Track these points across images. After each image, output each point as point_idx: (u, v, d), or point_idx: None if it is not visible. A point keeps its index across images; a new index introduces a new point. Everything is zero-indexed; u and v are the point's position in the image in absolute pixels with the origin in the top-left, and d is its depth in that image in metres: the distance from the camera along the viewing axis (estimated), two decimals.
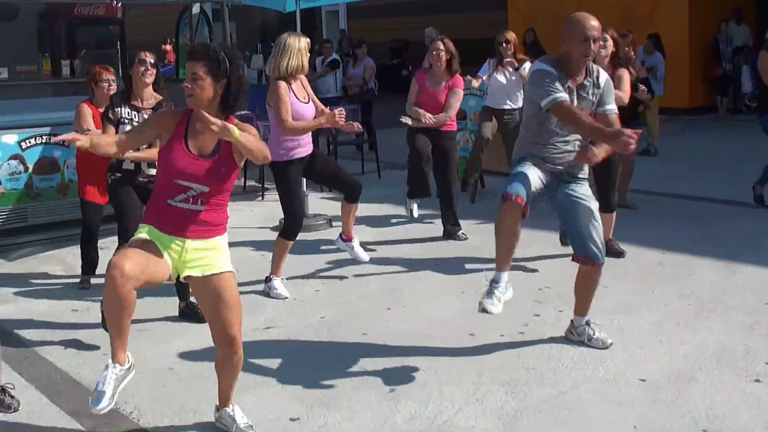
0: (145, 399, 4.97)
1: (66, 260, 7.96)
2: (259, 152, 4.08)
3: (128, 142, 4.34)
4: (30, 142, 8.45)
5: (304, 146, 6.76)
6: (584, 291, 5.55)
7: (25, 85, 9.05)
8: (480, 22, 20.36)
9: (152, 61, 6.12)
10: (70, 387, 5.26)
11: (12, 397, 4.95)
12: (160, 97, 6.23)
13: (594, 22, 5.01)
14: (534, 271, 7.21)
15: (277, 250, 6.83)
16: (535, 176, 5.11)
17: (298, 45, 6.62)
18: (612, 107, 5.23)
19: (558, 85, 4.99)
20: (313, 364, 5.43)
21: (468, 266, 7.43)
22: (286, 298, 6.68)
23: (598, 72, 5.23)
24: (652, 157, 12.61)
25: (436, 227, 8.55)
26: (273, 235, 8.64)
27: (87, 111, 6.85)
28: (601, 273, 5.45)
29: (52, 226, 8.51)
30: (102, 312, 5.87)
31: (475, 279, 6.97)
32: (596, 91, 5.17)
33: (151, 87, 6.16)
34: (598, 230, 5.27)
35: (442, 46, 8.01)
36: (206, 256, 4.16)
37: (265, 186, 10.77)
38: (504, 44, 9.16)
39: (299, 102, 6.67)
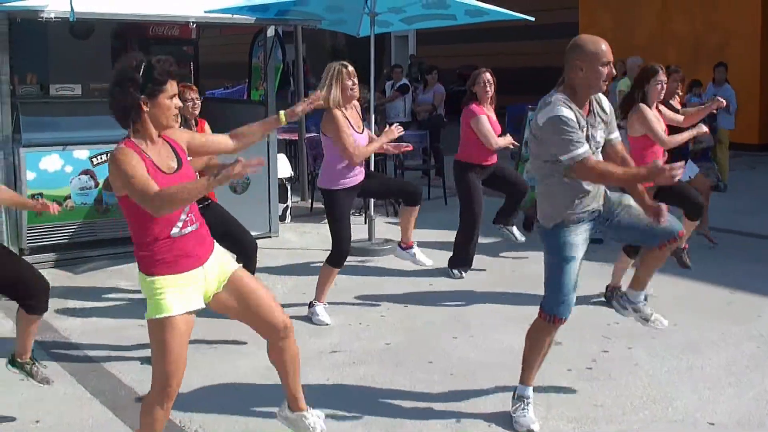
0: (209, 417, 4.96)
1: (133, 275, 7.93)
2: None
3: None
4: (101, 158, 8.56)
5: (358, 174, 6.72)
6: (653, 267, 5.20)
7: (97, 102, 9.14)
8: (550, 50, 20.26)
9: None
10: (134, 402, 5.23)
11: (45, 367, 5.16)
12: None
13: (606, 45, 4.64)
14: (600, 305, 7.06)
15: (323, 276, 6.77)
16: (579, 263, 4.78)
17: (345, 73, 6.59)
18: (617, 134, 4.95)
19: (579, 133, 4.52)
20: (378, 391, 5.37)
21: (533, 296, 7.23)
22: (328, 324, 6.62)
23: (598, 96, 4.82)
24: (722, 194, 12.35)
25: (501, 256, 8.43)
26: None
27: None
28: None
29: (120, 241, 8.59)
30: None
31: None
32: (604, 116, 4.83)
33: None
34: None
35: (491, 78, 7.93)
36: (219, 267, 4.08)
37: None
38: None
39: (354, 131, 6.64)
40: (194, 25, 8.85)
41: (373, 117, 9.16)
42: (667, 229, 4.88)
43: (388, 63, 22.09)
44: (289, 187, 10.44)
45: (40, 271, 5.24)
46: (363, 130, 6.81)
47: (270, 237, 9.63)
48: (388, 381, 5.53)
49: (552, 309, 4.76)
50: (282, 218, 10.16)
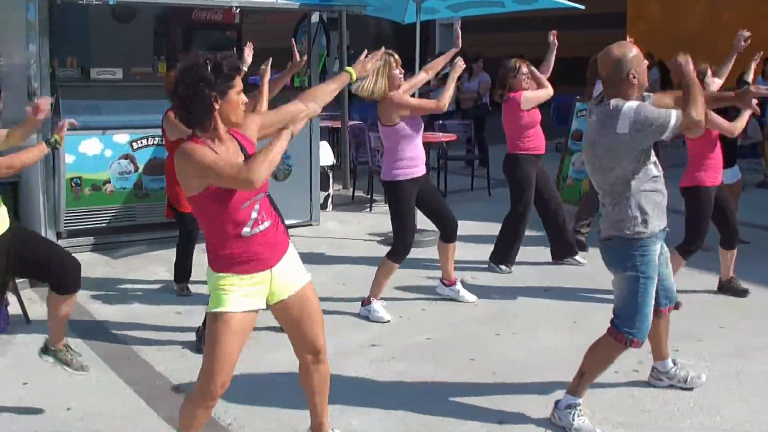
0: (244, 411, 4.85)
1: (171, 261, 7.91)
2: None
3: None
4: (141, 143, 8.49)
5: (420, 165, 6.56)
6: (663, 334, 5.20)
7: (138, 86, 9.07)
8: (597, 40, 19.95)
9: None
10: (168, 392, 5.18)
11: (79, 355, 5.04)
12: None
13: None
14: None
15: (382, 271, 6.59)
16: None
17: (392, 62, 6.43)
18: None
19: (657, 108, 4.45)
20: (418, 387, 5.23)
21: (580, 294, 7.11)
22: (388, 321, 6.46)
23: None
24: None
25: (545, 251, 8.24)
26: (381, 249, 8.53)
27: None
28: None
29: (159, 226, 8.53)
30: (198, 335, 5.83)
31: (587, 309, 6.66)
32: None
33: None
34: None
35: (527, 69, 7.72)
36: (287, 273, 3.98)
37: (374, 197, 10.64)
38: None
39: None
40: (237, 9, 8.73)
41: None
42: (673, 294, 4.98)
43: (433, 51, 21.87)
44: (331, 175, 10.32)
45: (76, 255, 5.13)
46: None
47: (311, 225, 9.52)
48: (428, 377, 5.38)
49: (631, 331, 4.56)
50: (323, 206, 10.04)
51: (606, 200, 4.60)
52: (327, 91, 4.24)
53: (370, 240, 9.04)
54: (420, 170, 6.55)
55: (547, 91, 7.70)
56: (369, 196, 10.74)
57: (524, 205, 7.77)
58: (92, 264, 7.89)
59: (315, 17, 9.30)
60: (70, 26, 8.86)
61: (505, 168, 7.83)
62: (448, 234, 6.79)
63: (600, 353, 4.70)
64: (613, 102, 4.42)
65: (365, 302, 6.57)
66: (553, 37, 7.87)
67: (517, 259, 7.97)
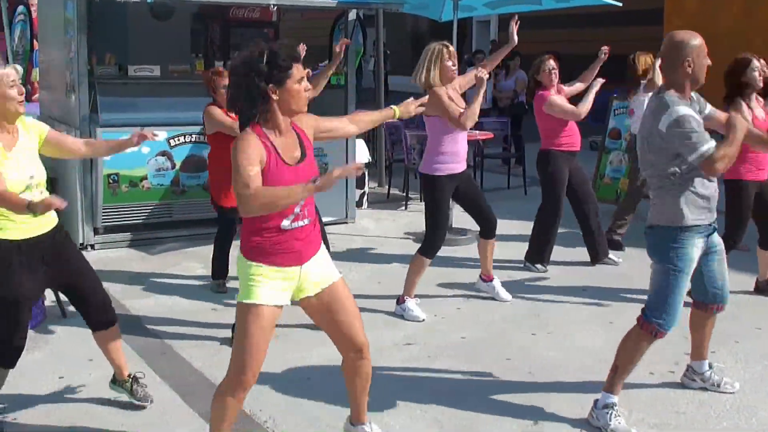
0: (280, 408, 4.86)
1: (208, 258, 7.93)
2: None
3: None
4: (179, 140, 8.53)
5: (460, 162, 6.53)
6: (705, 333, 5.16)
7: (176, 83, 9.11)
8: (634, 36, 19.75)
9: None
10: (204, 388, 5.18)
11: (144, 386, 4.93)
12: None
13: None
14: (686, 305, 6.75)
15: (414, 267, 6.56)
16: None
17: (445, 53, 6.41)
18: (710, 107, 4.74)
19: (702, 129, 4.37)
20: (453, 386, 5.21)
21: (616, 294, 7.04)
22: (423, 320, 6.43)
23: None
24: None
25: (583, 248, 8.18)
26: (416, 247, 8.48)
27: (218, 111, 6.80)
28: None
29: (196, 223, 8.57)
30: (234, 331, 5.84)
31: (623, 309, 6.59)
32: (702, 106, 4.67)
33: None
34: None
35: (555, 64, 7.64)
36: (317, 269, 3.98)
37: (409, 195, 10.62)
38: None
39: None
40: (275, 7, 8.74)
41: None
42: (727, 293, 4.92)
43: (470, 49, 21.80)
44: (366, 173, 10.30)
45: (113, 251, 5.13)
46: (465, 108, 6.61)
47: (347, 223, 9.52)
48: (463, 377, 5.36)
49: (658, 321, 4.56)
50: (359, 204, 10.03)
51: (651, 189, 4.65)
52: (369, 120, 4.44)
53: (406, 238, 9.01)
54: (460, 167, 6.53)
55: (576, 113, 7.51)
56: (404, 194, 10.71)
57: (555, 202, 7.72)
58: (128, 260, 7.94)
59: (352, 15, 9.30)
60: (108, 24, 8.92)
61: (538, 164, 7.79)
62: (487, 231, 6.75)
63: (630, 345, 4.68)
64: (668, 97, 4.43)
65: (400, 300, 6.55)
66: (605, 54, 7.72)
67: (553, 258, 7.91)
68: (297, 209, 3.81)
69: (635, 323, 4.67)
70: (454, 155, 6.46)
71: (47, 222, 4.50)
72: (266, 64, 3.67)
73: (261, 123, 3.76)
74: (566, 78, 7.92)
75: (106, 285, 6.67)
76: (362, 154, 10.16)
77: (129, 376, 4.95)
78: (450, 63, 6.40)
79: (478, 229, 6.86)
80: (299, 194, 3.59)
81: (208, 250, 8.09)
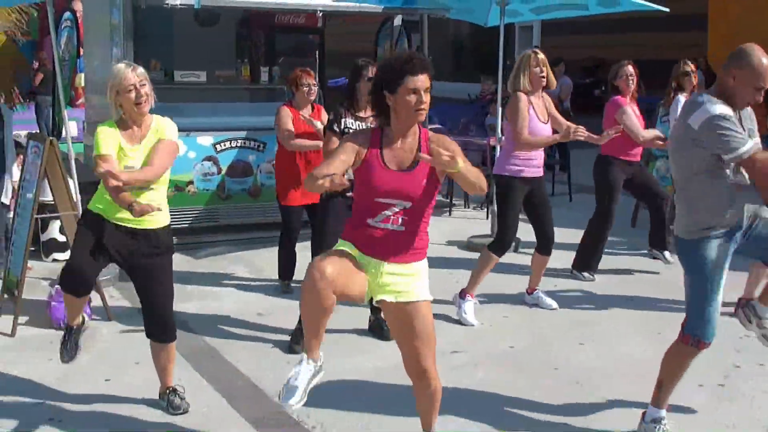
0: (328, 415, 4.84)
1: (254, 262, 8.01)
2: (477, 182, 3.92)
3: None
4: (225, 145, 8.57)
5: (535, 167, 6.57)
6: None
7: (222, 89, 9.17)
8: (677, 42, 19.56)
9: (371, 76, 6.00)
10: (250, 392, 5.21)
11: (182, 398, 4.94)
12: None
13: None
14: (732, 315, 6.65)
15: (481, 262, 6.65)
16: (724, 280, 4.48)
17: (533, 59, 6.46)
18: (757, 140, 4.54)
19: (740, 128, 4.26)
20: (500, 396, 5.16)
21: (662, 304, 6.95)
22: (473, 325, 6.43)
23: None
24: None
25: (630, 258, 8.10)
26: (462, 253, 8.48)
27: (287, 113, 6.86)
28: None
29: (242, 227, 8.60)
30: (293, 333, 5.85)
31: (670, 319, 6.45)
32: (746, 123, 4.49)
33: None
34: None
35: (634, 70, 7.57)
36: (403, 281, 3.95)
37: (453, 202, 10.58)
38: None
39: (537, 119, 6.49)
40: (320, 13, 8.76)
41: (499, 109, 8.89)
42: None
43: (512, 54, 21.72)
44: None
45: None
46: (548, 120, 6.60)
47: None
48: (509, 386, 5.31)
49: (696, 332, 4.46)
50: None
51: (675, 196, 4.59)
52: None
53: (450, 245, 8.97)
54: (532, 172, 6.56)
55: (638, 135, 7.44)
56: (448, 200, 10.67)
57: (607, 210, 7.64)
58: (174, 263, 7.88)
59: (397, 20, 9.30)
60: (153, 30, 8.97)
61: (595, 167, 7.71)
62: (543, 246, 6.78)
63: (673, 359, 4.60)
64: (703, 96, 4.35)
65: (462, 294, 6.59)
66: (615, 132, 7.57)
67: (601, 266, 7.84)
68: (387, 212, 3.85)
69: (678, 336, 4.58)
70: (528, 160, 6.50)
71: (144, 220, 4.62)
72: (384, 71, 3.88)
73: (384, 124, 3.93)
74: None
75: None
76: None
77: (168, 387, 4.99)
78: (537, 69, 6.43)
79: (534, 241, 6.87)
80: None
81: (253, 255, 8.15)
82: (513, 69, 6.59)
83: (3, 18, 9.81)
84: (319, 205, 6.12)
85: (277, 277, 7.32)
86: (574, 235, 7.96)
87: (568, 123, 6.60)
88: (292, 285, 7.16)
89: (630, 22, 21.10)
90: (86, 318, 5.07)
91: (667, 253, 7.89)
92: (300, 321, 5.87)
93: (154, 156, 4.64)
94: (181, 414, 4.87)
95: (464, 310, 6.50)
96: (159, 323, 4.81)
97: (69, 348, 4.91)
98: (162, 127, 4.72)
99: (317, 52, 9.83)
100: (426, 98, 3.83)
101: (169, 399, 4.94)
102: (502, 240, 6.62)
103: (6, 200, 7.60)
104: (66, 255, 8.18)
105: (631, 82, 7.48)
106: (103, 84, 8.48)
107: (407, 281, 3.95)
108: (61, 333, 6.03)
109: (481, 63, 27.95)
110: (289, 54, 9.60)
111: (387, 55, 3.76)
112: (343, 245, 3.94)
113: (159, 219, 4.70)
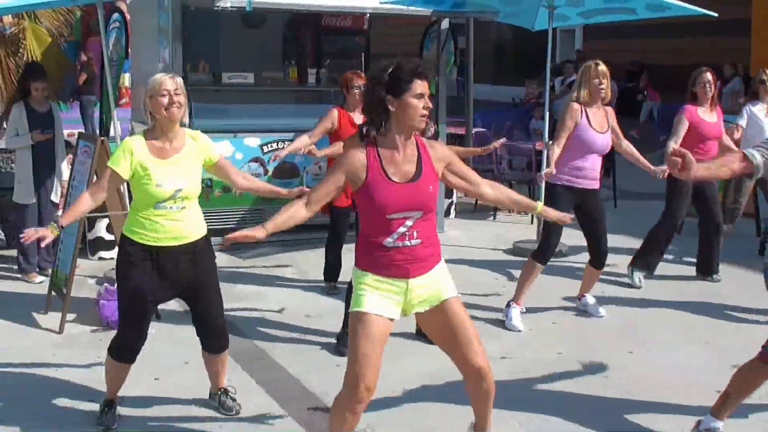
0: (377, 416, 4.81)
1: (299, 264, 8.02)
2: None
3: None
4: (272, 147, 8.59)
5: (583, 178, 6.52)
6: None
7: (269, 91, 9.19)
8: (720, 47, 19.36)
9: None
10: (300, 394, 5.22)
11: (233, 399, 4.96)
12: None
13: None
14: None
15: (525, 271, 6.64)
16: None
17: (593, 71, 6.44)
18: None
19: None
20: (550, 403, 5.12)
21: (711, 313, 6.87)
22: (520, 331, 6.40)
23: None
24: None
25: (678, 265, 8.01)
26: (507, 258, 8.44)
27: (331, 115, 6.85)
28: None
29: (287, 229, 8.59)
30: (339, 336, 5.87)
31: (719, 328, 6.48)
32: None
33: None
34: None
35: (712, 78, 7.49)
36: (429, 288, 3.95)
37: (497, 206, 10.52)
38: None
39: (591, 129, 6.45)
40: (368, 16, 8.76)
41: (547, 114, 8.83)
42: None
43: (554, 57, 21.59)
44: None
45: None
46: (607, 131, 6.56)
47: (437, 234, 9.44)
48: (559, 394, 5.27)
49: None
50: (446, 214, 9.98)
51: None
52: (507, 197, 4.34)
53: (496, 249, 8.92)
54: (583, 183, 6.51)
55: (669, 148, 7.42)
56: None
57: (674, 216, 7.61)
58: (220, 264, 7.92)
59: (445, 24, 9.26)
60: (201, 31, 9.01)
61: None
62: (595, 260, 6.75)
63: (747, 375, 4.52)
64: None
65: (509, 304, 6.60)
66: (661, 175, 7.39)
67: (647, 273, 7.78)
68: (402, 229, 3.82)
69: (757, 354, 4.46)
70: (577, 170, 6.45)
71: (182, 235, 4.58)
72: (389, 75, 3.77)
73: (377, 136, 3.85)
74: (656, 87, 7.75)
75: None
76: None
77: (220, 389, 5.01)
78: (596, 81, 6.40)
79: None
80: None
81: (298, 256, 8.16)
82: (576, 81, 6.63)
83: (50, 19, 9.90)
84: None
85: (322, 279, 7.33)
86: (619, 240, 7.92)
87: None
88: (338, 286, 7.15)
89: (671, 27, 20.91)
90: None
91: (716, 276, 7.81)
92: (345, 324, 5.90)
93: (235, 178, 4.86)
94: (233, 415, 4.88)
95: (510, 317, 6.49)
96: (214, 335, 4.82)
97: (109, 418, 4.81)
98: (206, 147, 4.65)
99: (363, 54, 9.82)
100: (428, 103, 3.82)
101: (220, 400, 4.97)
102: (545, 249, 6.58)
103: (56, 199, 7.68)
104: (112, 254, 8.29)
105: (708, 89, 7.40)
106: None
107: (433, 285, 3.96)
108: (109, 331, 6.17)
109: (523, 66, 27.89)
110: (335, 56, 9.61)
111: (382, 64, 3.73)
112: (360, 281, 3.90)
113: (197, 231, 4.67)
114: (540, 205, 4.41)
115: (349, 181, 3.87)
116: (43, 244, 4.55)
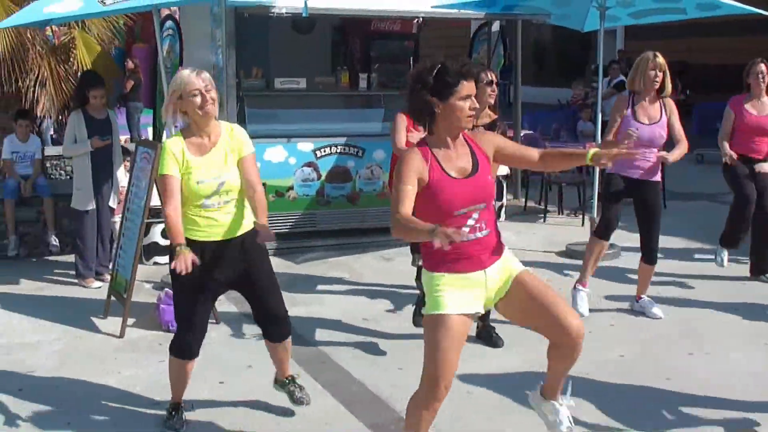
0: (446, 420, 4.82)
1: (353, 267, 8.05)
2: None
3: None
4: (324, 151, 8.65)
5: (636, 169, 6.57)
6: None
7: (322, 95, 9.25)
8: (764, 49, 19.10)
9: (491, 79, 6.02)
10: (366, 398, 5.25)
11: (302, 388, 5.01)
12: (494, 116, 6.12)
13: None
14: None
15: (589, 251, 6.80)
16: None
17: (650, 62, 6.47)
18: None
19: None
20: (613, 405, 5.12)
21: None
22: (585, 316, 6.50)
23: None
24: None
25: (736, 265, 7.96)
26: (560, 260, 8.43)
27: (401, 120, 6.85)
28: None
29: (340, 233, 8.66)
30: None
31: None
32: None
33: (487, 106, 6.04)
34: None
35: (766, 69, 7.46)
36: (502, 272, 3.94)
37: (547, 208, 10.51)
38: None
39: (635, 120, 6.49)
40: (421, 20, 8.80)
41: (600, 115, 8.81)
42: None
43: (595, 59, 21.44)
44: (504, 185, 10.24)
45: None
46: (657, 122, 6.55)
47: None
48: (622, 396, 5.27)
49: None
50: (497, 215, 9.98)
51: None
52: (560, 158, 4.21)
53: (548, 251, 8.91)
54: (633, 172, 6.58)
55: (720, 140, 7.53)
56: (543, 207, 10.60)
57: (741, 196, 7.55)
58: (275, 269, 7.93)
59: (496, 26, 9.28)
60: (253, 37, 9.09)
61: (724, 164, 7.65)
62: (647, 256, 6.77)
63: None
64: None
65: (574, 286, 6.74)
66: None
67: (703, 273, 7.79)
68: (470, 222, 3.81)
69: None
70: (629, 161, 6.46)
71: (230, 230, 4.60)
72: (434, 77, 3.73)
73: (427, 137, 3.84)
74: (700, 87, 7.71)
75: None
76: (502, 165, 10.06)
77: (287, 377, 5.04)
78: (652, 72, 6.44)
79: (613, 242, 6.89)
80: (426, 234, 3.47)
81: (352, 260, 8.20)
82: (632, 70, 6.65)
83: (99, 28, 10.02)
84: None
85: (377, 282, 7.41)
86: (671, 241, 7.87)
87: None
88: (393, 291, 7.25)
89: (715, 26, 20.70)
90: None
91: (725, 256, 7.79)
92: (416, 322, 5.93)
93: (251, 179, 4.55)
94: (303, 406, 4.93)
95: (578, 297, 6.65)
96: (272, 322, 4.84)
97: (176, 421, 4.85)
98: (240, 141, 4.60)
99: (412, 57, 9.83)
100: (475, 104, 3.80)
101: (288, 389, 5.00)
102: (606, 224, 6.73)
103: (113, 205, 7.79)
104: (167, 258, 8.38)
105: (761, 79, 7.43)
106: None
107: (503, 268, 3.95)
108: (170, 335, 6.21)
109: (563, 67, 27.74)
110: (385, 60, 9.62)
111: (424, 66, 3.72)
112: (436, 283, 3.86)
113: (244, 224, 4.63)
114: (592, 150, 4.08)
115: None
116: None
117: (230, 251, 4.62)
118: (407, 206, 3.69)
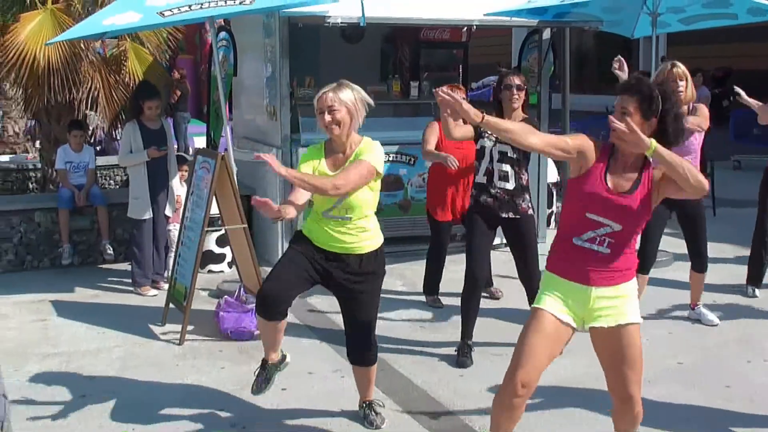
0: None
1: (406, 275, 8.10)
2: (691, 175, 3.68)
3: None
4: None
5: None
6: None
7: (374, 104, 9.28)
8: None
9: (519, 84, 6.05)
10: (428, 404, 5.29)
11: (377, 413, 5.01)
12: (526, 116, 6.15)
13: None
14: None
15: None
16: None
17: (670, 75, 6.38)
18: None
19: None
20: (676, 413, 5.15)
21: None
22: (716, 324, 6.69)
23: None
24: None
25: None
26: None
27: (432, 128, 6.90)
28: None
29: (393, 240, 8.68)
30: (459, 347, 5.93)
31: None
32: None
33: (519, 109, 6.09)
34: None
35: None
36: (614, 305, 3.89)
37: None
38: None
39: None
40: (473, 28, 8.82)
41: None
42: None
43: (637, 65, 21.37)
44: (555, 192, 10.25)
45: None
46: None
47: (539, 243, 9.45)
48: (684, 404, 5.29)
49: None
50: (547, 223, 9.98)
51: None
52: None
53: None
54: None
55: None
56: None
57: (760, 220, 7.48)
58: None
59: (546, 34, 9.28)
60: (305, 47, 9.17)
61: (763, 178, 7.50)
62: (696, 264, 6.79)
63: None
64: None
65: (692, 307, 6.87)
66: None
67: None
68: (591, 233, 3.84)
69: None
70: None
71: (346, 247, 4.59)
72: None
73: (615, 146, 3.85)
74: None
75: (308, 300, 6.76)
76: (552, 172, 10.09)
77: (365, 401, 5.05)
78: (673, 84, 6.27)
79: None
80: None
81: (404, 268, 8.25)
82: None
83: (150, 39, 10.16)
84: (465, 223, 6.25)
85: (444, 288, 7.40)
86: (721, 249, 7.84)
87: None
88: (441, 299, 7.28)
89: (759, 31, 20.51)
90: (287, 357, 5.01)
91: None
92: (464, 335, 5.97)
93: (340, 172, 4.47)
94: (373, 430, 4.94)
95: (704, 314, 6.83)
96: (357, 347, 4.86)
97: (260, 381, 4.89)
98: (362, 149, 4.58)
99: (460, 66, 9.88)
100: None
101: (365, 413, 5.02)
102: (643, 258, 6.24)
103: (170, 213, 7.91)
104: (221, 266, 8.49)
105: None
106: (255, 100, 8.80)
107: (618, 304, 3.90)
108: (230, 343, 6.31)
109: (605, 75, 27.54)
110: (434, 68, 9.68)
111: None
112: (546, 281, 3.96)
113: (362, 245, 4.61)
114: (653, 143, 3.83)
115: (576, 156, 3.83)
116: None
117: (340, 260, 4.62)
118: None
